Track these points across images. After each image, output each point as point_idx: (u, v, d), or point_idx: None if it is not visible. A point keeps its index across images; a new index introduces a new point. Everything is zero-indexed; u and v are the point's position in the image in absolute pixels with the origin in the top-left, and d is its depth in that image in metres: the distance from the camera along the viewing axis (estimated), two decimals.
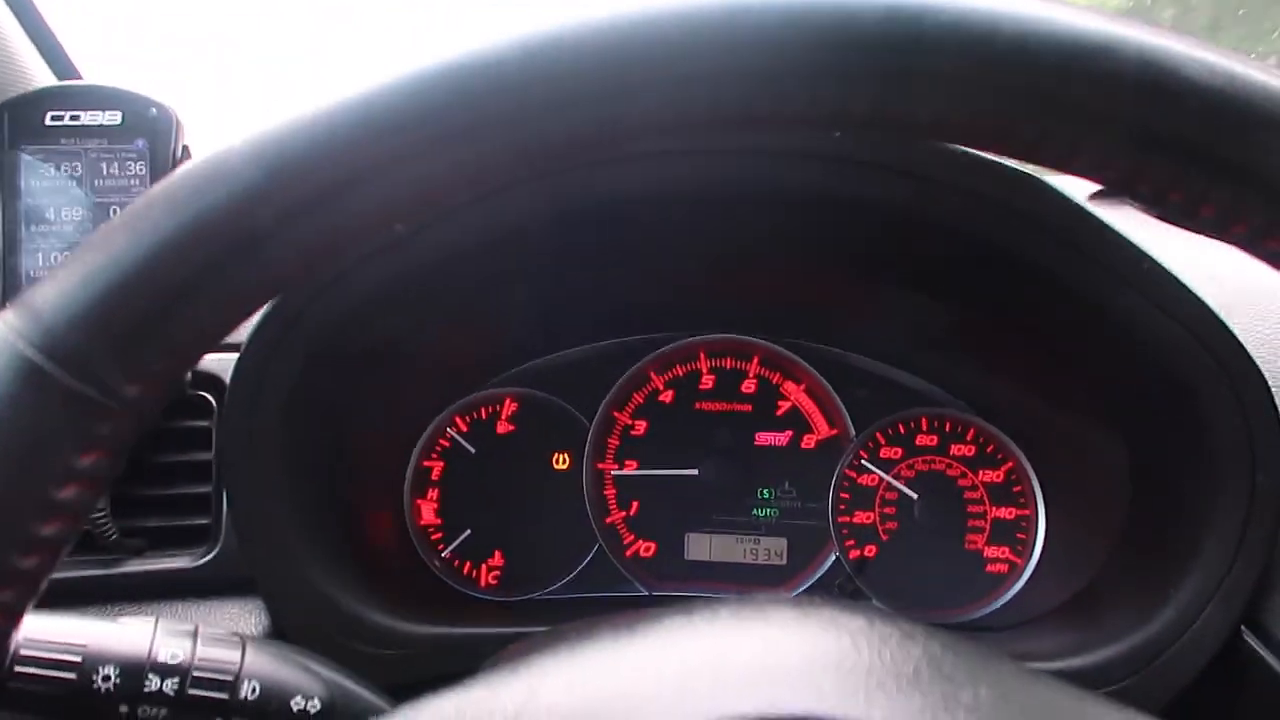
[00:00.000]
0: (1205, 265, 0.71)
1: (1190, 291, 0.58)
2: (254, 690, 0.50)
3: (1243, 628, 0.64)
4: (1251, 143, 0.25)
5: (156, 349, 0.26)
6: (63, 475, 0.25)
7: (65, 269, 0.25)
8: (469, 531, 0.89)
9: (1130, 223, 0.63)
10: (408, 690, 0.54)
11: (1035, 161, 0.28)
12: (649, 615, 0.34)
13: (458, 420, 0.90)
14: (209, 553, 0.70)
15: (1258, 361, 0.61)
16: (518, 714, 0.28)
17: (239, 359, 0.64)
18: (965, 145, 0.28)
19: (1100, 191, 0.88)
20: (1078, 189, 0.68)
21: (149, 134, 0.72)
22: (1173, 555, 0.65)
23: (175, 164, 0.72)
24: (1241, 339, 0.61)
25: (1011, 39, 0.25)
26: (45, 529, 0.25)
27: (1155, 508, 0.69)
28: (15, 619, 0.26)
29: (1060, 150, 0.26)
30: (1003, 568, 0.86)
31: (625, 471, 0.90)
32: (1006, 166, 0.62)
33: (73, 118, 0.71)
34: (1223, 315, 0.59)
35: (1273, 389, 0.60)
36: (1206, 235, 0.29)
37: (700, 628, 0.33)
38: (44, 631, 0.47)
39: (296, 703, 0.50)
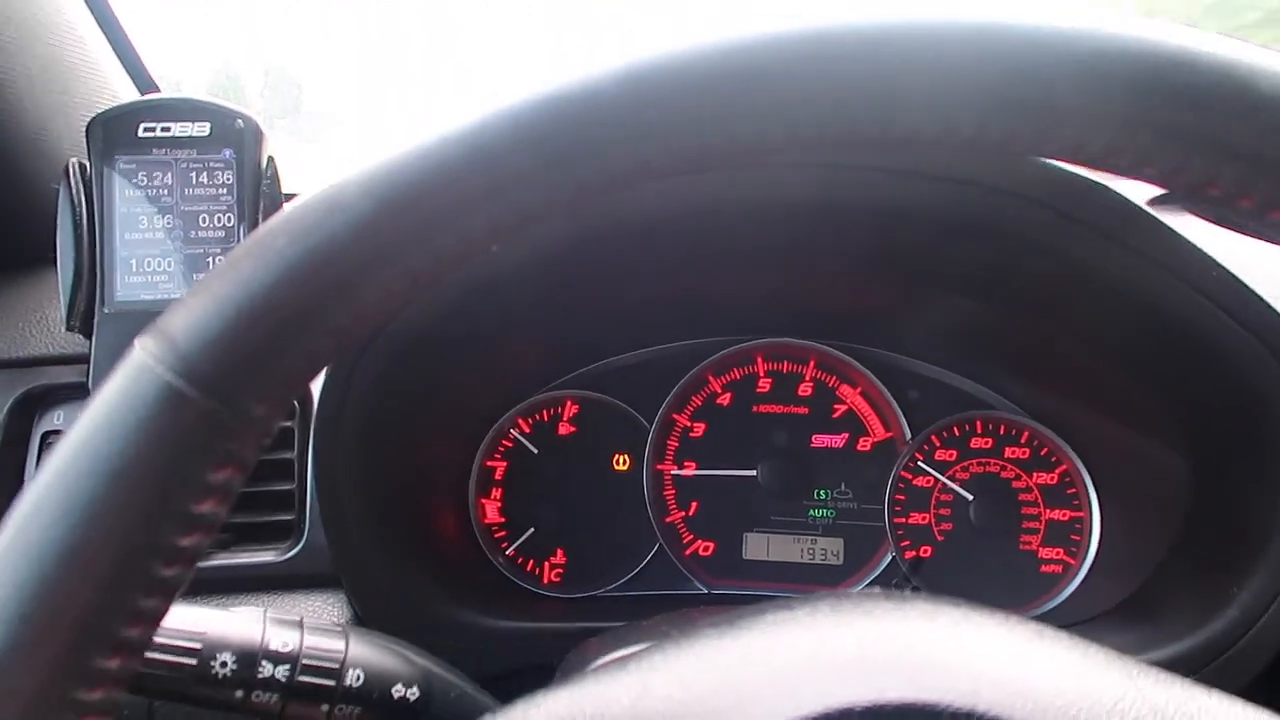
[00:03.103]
0: (1268, 270, 0.72)
1: (1261, 299, 0.60)
2: (358, 678, 0.52)
3: None
4: None
5: (280, 371, 0.27)
6: (200, 490, 0.27)
7: (196, 297, 0.27)
8: (532, 530, 0.91)
9: (1195, 229, 0.64)
10: (489, 681, 0.56)
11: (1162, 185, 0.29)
12: (750, 610, 0.36)
13: (520, 422, 0.93)
14: (294, 548, 0.73)
15: None
16: (633, 708, 0.30)
17: (328, 370, 0.67)
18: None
19: (1160, 197, 0.89)
20: (1137, 193, 0.69)
21: (236, 144, 0.75)
22: (1235, 557, 0.66)
23: (261, 173, 0.75)
24: None
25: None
26: (185, 540, 0.27)
27: (1217, 512, 0.70)
28: (156, 624, 0.28)
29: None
30: (1057, 568, 0.87)
31: (684, 472, 0.92)
32: (1069, 173, 0.63)
33: (164, 129, 0.74)
34: None
35: None
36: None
37: (802, 621, 0.35)
38: (166, 620, 0.49)
39: (397, 690, 0.53)
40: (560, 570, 0.91)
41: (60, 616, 0.26)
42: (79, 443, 0.27)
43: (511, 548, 0.91)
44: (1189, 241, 0.61)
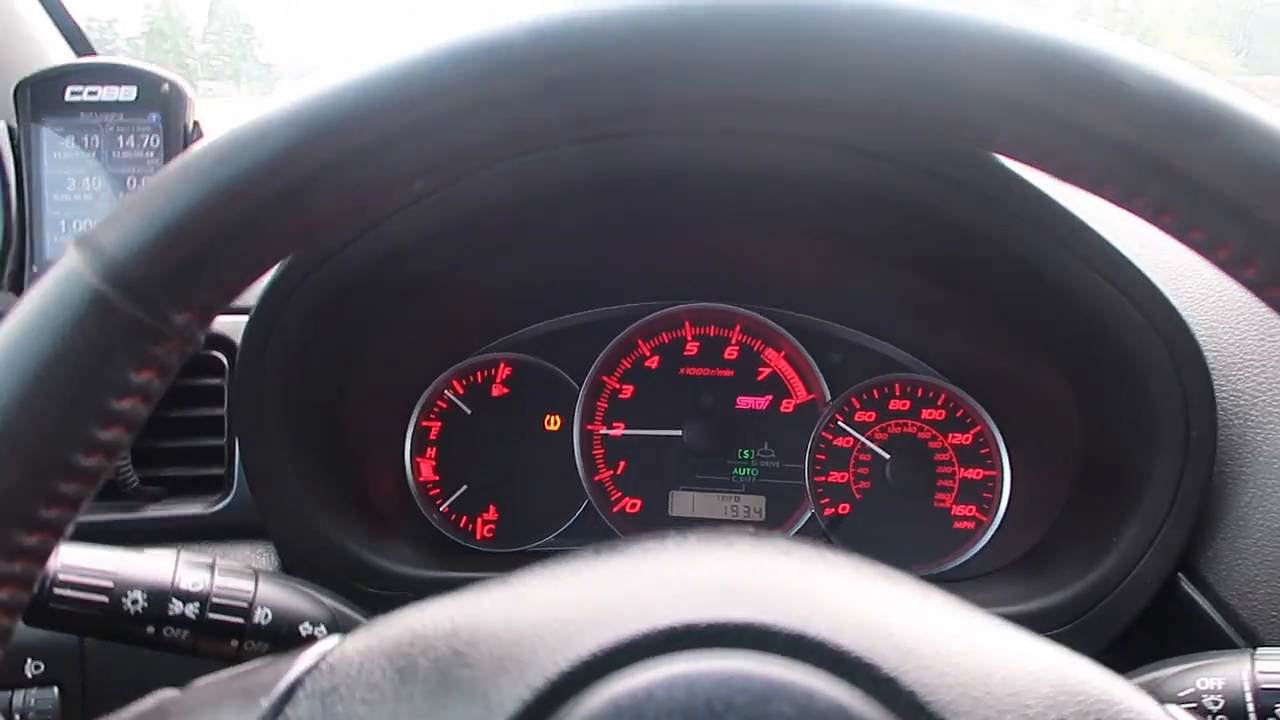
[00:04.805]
0: (1151, 244, 0.76)
1: (1124, 257, 0.63)
2: (266, 616, 0.55)
3: (1179, 575, 0.69)
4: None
5: (204, 283, 0.30)
6: (121, 389, 0.29)
7: (126, 210, 0.30)
8: (465, 488, 0.94)
9: (1083, 201, 0.67)
10: None
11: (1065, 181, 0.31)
12: (633, 538, 0.39)
13: (455, 383, 0.95)
14: (222, 500, 0.75)
15: (1196, 328, 0.65)
16: (506, 617, 0.33)
17: (249, 320, 0.69)
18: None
19: None
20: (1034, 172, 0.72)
21: (162, 109, 0.76)
22: (1115, 508, 0.70)
23: (187, 137, 0.77)
24: (1184, 308, 0.65)
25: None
26: (104, 434, 0.29)
27: (1102, 465, 0.74)
28: (76, 510, 0.30)
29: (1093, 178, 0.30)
30: (969, 524, 0.91)
31: (613, 432, 0.95)
32: (977, 155, 0.66)
33: (91, 93, 0.75)
34: (1160, 283, 0.64)
35: (1207, 353, 0.65)
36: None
37: (670, 548, 0.37)
38: (78, 559, 0.52)
39: (305, 628, 0.56)
40: (492, 526, 0.94)
41: None
42: (7, 337, 0.29)
43: (445, 504, 0.94)
44: (1069, 211, 0.64)
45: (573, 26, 0.30)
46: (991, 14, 0.30)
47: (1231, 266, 0.30)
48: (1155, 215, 0.30)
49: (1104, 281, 0.64)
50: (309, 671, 0.33)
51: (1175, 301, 0.65)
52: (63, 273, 0.29)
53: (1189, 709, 0.48)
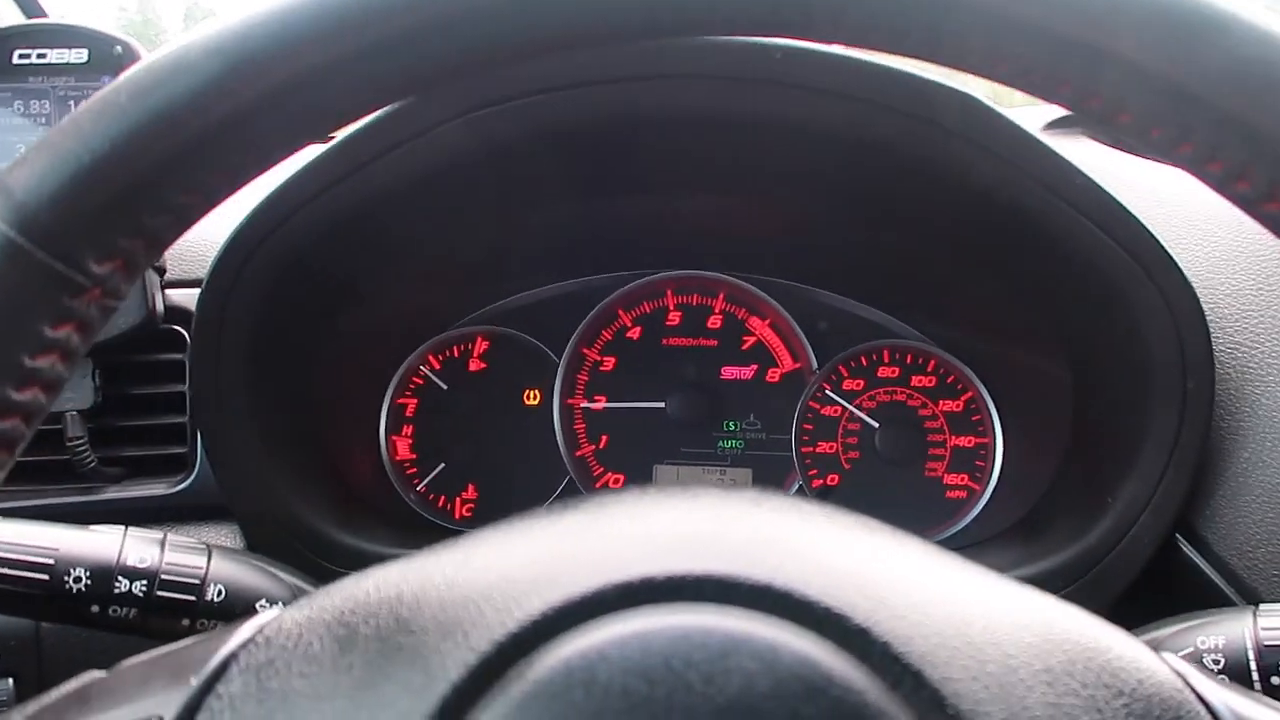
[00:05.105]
0: (1149, 188, 0.73)
1: (1119, 204, 0.60)
2: (220, 593, 0.52)
3: (1177, 535, 0.66)
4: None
5: (123, 229, 0.28)
6: (36, 344, 0.27)
7: (37, 153, 0.27)
8: (443, 466, 0.91)
9: (1079, 150, 0.64)
10: None
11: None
12: (605, 494, 0.36)
13: (430, 358, 0.92)
14: (185, 480, 0.73)
15: (1194, 279, 0.63)
16: (452, 580, 0.30)
17: (200, 294, 0.66)
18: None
19: (1058, 120, 0.89)
20: (1030, 119, 0.69)
21: (114, 71, 0.73)
22: (1111, 467, 0.67)
23: None
24: (1182, 259, 0.63)
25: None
26: (20, 394, 0.27)
27: (1097, 424, 0.72)
28: None
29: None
30: (961, 494, 0.89)
31: (594, 406, 0.92)
32: (962, 95, 0.63)
33: (39, 56, 0.72)
34: (1157, 233, 0.61)
35: (1205, 304, 0.62)
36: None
37: (638, 502, 0.35)
38: (18, 536, 0.49)
39: (261, 605, 0.53)
40: (472, 505, 0.91)
41: None
42: None
43: (423, 484, 0.91)
44: (1064, 159, 0.61)
45: None
46: None
47: (1225, 183, 0.28)
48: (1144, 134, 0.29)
49: (1098, 230, 0.62)
50: (244, 645, 0.30)
51: (1170, 251, 0.62)
52: None
53: None
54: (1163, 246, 0.60)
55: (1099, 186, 0.60)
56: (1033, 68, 0.29)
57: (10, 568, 0.48)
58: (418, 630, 0.29)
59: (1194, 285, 0.63)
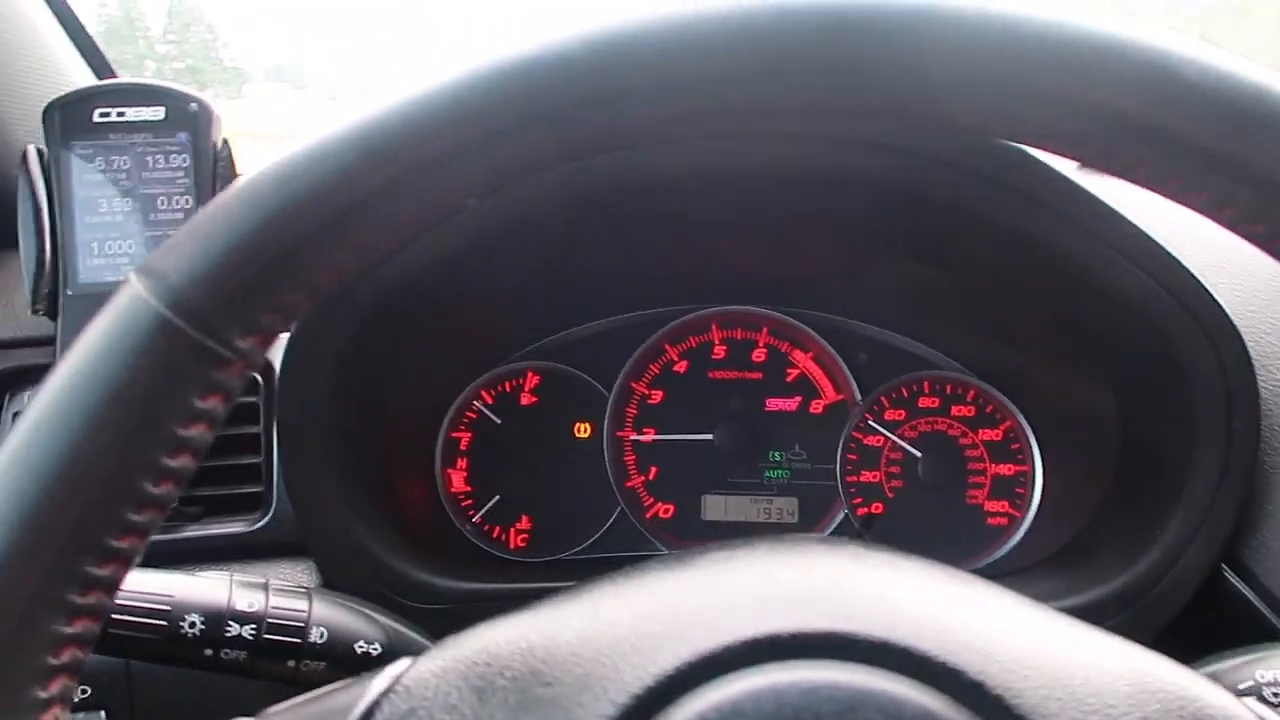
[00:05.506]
0: (1187, 230, 0.76)
1: (1165, 250, 0.63)
2: (322, 635, 0.55)
3: (1224, 565, 0.69)
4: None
5: (264, 306, 0.30)
6: (188, 415, 0.29)
7: (186, 237, 0.30)
8: (497, 498, 0.94)
9: (1116, 191, 0.67)
10: None
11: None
12: (697, 550, 0.39)
13: (483, 393, 0.95)
14: (263, 518, 0.75)
15: (1237, 318, 0.65)
16: (581, 631, 0.33)
17: (290, 338, 0.69)
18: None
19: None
20: (1065, 162, 0.72)
21: (190, 128, 0.76)
22: (1158, 500, 0.69)
23: (216, 155, 0.77)
24: (1224, 298, 0.65)
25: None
26: (173, 462, 0.29)
27: (1142, 457, 0.74)
28: (144, 538, 0.30)
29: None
30: (1002, 520, 0.91)
31: (643, 438, 0.95)
32: (1009, 147, 0.66)
33: (119, 114, 0.75)
34: (1199, 273, 0.64)
35: (1248, 343, 0.65)
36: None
37: (740, 558, 0.37)
38: (133, 584, 0.52)
39: (360, 646, 0.56)
40: (526, 536, 0.94)
41: (58, 523, 0.28)
42: (77, 367, 0.29)
43: (478, 515, 0.94)
44: (1104, 202, 0.64)
45: (638, 32, 0.30)
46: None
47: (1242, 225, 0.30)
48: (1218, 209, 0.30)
49: (1143, 274, 0.64)
50: (385, 694, 0.33)
51: (1213, 292, 0.65)
52: (126, 301, 0.29)
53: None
54: (1210, 293, 0.63)
55: (1147, 235, 0.63)
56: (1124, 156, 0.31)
57: (130, 614, 0.51)
58: (554, 683, 0.31)
59: (1237, 323, 0.65)
